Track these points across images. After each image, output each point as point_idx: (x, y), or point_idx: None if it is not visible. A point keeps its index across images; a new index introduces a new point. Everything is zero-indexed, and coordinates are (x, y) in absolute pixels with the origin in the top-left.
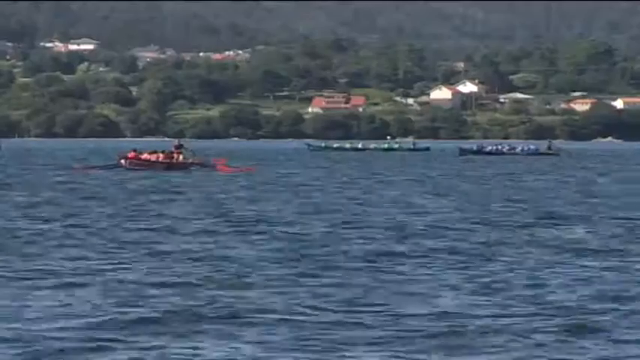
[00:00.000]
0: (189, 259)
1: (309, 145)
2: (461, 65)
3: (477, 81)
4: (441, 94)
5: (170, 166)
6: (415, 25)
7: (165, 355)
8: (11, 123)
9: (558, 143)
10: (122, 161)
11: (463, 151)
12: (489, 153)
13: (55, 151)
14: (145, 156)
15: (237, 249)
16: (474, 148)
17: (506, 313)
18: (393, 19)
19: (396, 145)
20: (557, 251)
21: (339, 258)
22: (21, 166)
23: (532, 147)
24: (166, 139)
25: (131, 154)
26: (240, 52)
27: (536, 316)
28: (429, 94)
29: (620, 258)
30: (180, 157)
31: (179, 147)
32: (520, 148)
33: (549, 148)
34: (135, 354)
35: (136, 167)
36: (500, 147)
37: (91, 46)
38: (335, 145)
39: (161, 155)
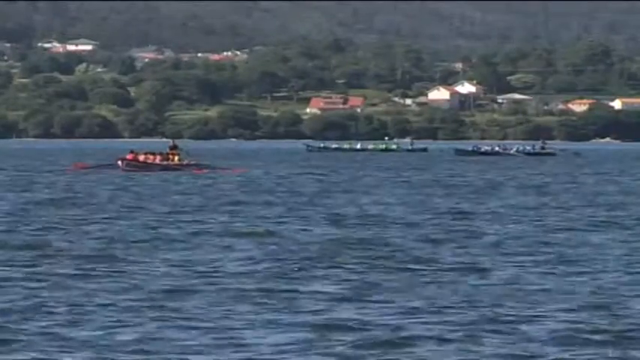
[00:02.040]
0: None
1: (308, 145)
2: (459, 66)
3: (474, 82)
4: (439, 94)
5: (166, 167)
6: (413, 26)
7: None
8: (9, 124)
9: (554, 144)
10: (119, 162)
11: (459, 152)
12: (485, 153)
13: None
14: (141, 157)
15: None
16: (470, 148)
17: None
18: (390, 19)
19: (394, 146)
20: None
21: None
22: None
23: (527, 147)
24: (164, 139)
25: (129, 156)
26: (237, 52)
27: None
28: (427, 95)
29: None
30: (176, 158)
31: (174, 148)
32: (515, 148)
33: (543, 148)
34: None
35: (132, 169)
36: (496, 147)
37: (89, 47)
38: (334, 146)
39: (158, 157)
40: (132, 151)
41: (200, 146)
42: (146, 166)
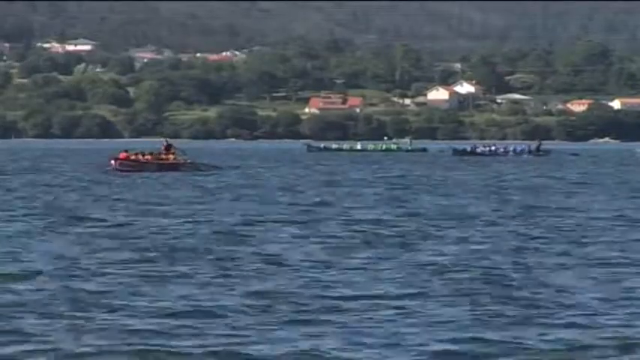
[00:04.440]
0: None
1: (308, 146)
2: (458, 66)
3: (473, 82)
4: (438, 94)
5: (162, 166)
6: (412, 26)
7: None
8: (8, 124)
9: (552, 144)
10: (112, 162)
11: (456, 152)
12: (482, 154)
13: None
14: (133, 158)
15: None
16: (468, 149)
17: None
18: (389, 19)
19: (394, 147)
20: None
21: None
22: None
23: (524, 147)
24: (163, 139)
25: (122, 155)
26: (237, 52)
27: None
28: (426, 95)
29: None
30: (171, 157)
31: (169, 147)
32: (513, 148)
33: (538, 148)
34: None
35: (126, 168)
36: (492, 148)
37: (88, 47)
38: (334, 147)
39: (148, 157)
40: (125, 151)
41: (197, 146)
42: (141, 166)
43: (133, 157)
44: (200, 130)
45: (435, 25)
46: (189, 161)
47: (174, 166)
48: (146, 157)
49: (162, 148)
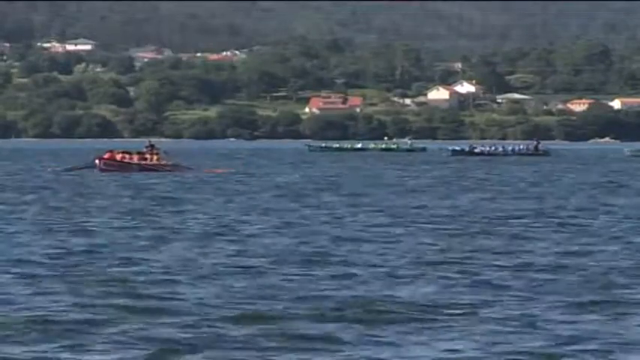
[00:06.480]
0: None
1: (309, 145)
2: (458, 66)
3: (474, 81)
4: (438, 94)
5: (144, 167)
6: (412, 26)
7: None
8: (8, 123)
9: (550, 144)
10: (97, 162)
11: (455, 152)
12: (481, 154)
13: None
14: (119, 157)
15: None
16: (466, 149)
17: None
18: (389, 19)
19: (394, 146)
20: None
21: None
22: None
23: (522, 147)
24: (162, 139)
25: (107, 155)
26: (237, 52)
27: None
28: (426, 95)
29: None
30: (155, 157)
31: (151, 147)
32: (511, 148)
33: (536, 148)
34: None
35: (110, 168)
36: (491, 148)
37: (88, 47)
38: (335, 146)
39: (135, 156)
40: (110, 151)
41: (197, 146)
42: (124, 166)
43: (117, 157)
44: (200, 130)
45: (435, 25)
46: (171, 162)
47: (156, 167)
48: (132, 156)
49: (146, 148)
